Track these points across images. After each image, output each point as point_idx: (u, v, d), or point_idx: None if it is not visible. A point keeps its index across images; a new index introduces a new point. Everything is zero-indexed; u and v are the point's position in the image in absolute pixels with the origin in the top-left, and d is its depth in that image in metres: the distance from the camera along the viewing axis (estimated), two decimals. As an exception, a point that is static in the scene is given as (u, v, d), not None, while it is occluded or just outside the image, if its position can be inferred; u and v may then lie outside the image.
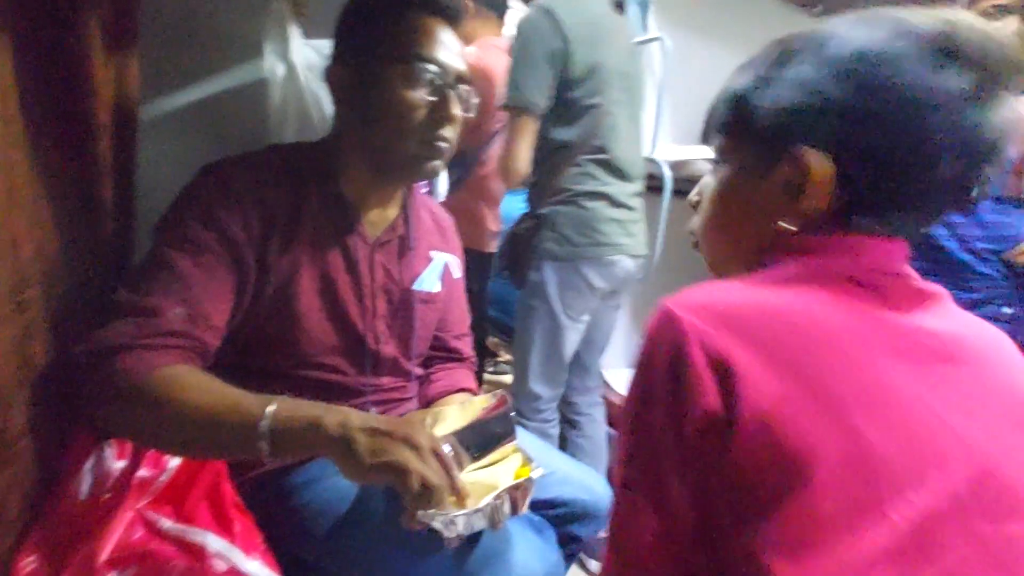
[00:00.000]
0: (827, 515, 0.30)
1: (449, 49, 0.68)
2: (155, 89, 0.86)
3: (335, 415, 0.51)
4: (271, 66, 0.91)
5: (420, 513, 0.51)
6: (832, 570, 0.29)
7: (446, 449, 0.53)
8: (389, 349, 0.75)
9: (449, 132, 0.69)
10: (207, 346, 0.58)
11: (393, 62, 0.65)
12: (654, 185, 1.51)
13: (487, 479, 0.58)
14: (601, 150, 1.16)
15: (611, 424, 1.52)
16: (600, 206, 1.17)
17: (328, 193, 0.69)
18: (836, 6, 1.77)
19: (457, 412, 0.64)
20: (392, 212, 0.76)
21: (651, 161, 1.50)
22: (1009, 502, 0.32)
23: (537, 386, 1.29)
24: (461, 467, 0.56)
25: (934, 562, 0.30)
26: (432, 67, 0.66)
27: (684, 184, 1.46)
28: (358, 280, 0.71)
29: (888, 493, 0.30)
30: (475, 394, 0.86)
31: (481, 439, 0.61)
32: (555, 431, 1.36)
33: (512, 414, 0.64)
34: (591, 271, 1.18)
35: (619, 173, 1.19)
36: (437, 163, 0.70)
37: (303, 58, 0.92)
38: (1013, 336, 1.17)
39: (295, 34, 0.90)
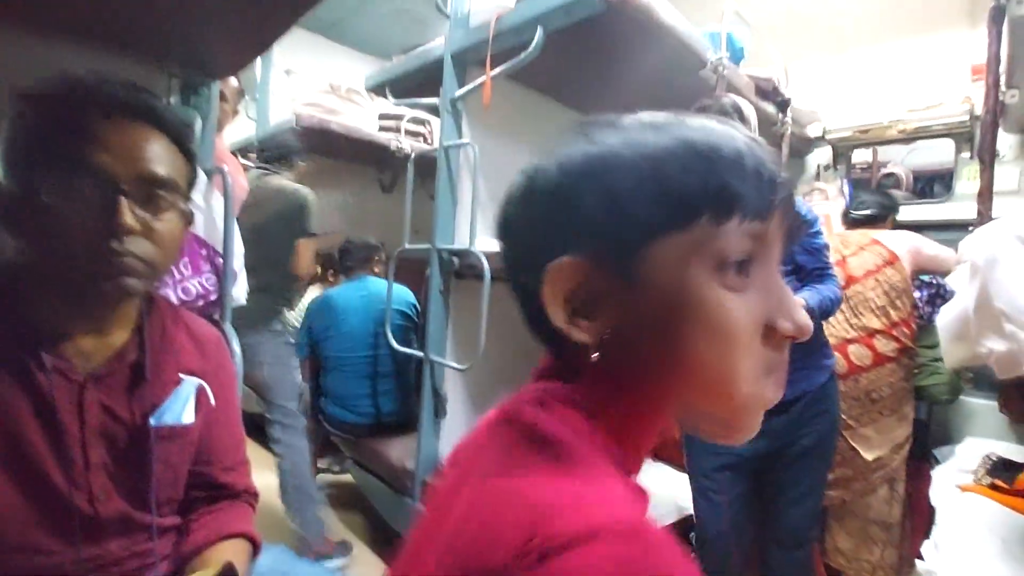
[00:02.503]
0: None
1: (120, 150, 0.58)
2: None
3: None
4: None
5: None
6: None
7: None
8: (114, 506, 0.62)
9: (130, 244, 0.58)
10: None
11: (45, 173, 0.55)
12: (475, 274, 1.58)
13: None
14: None
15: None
16: None
17: (10, 327, 0.58)
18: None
19: None
20: (119, 337, 0.65)
21: (471, 252, 1.57)
22: None
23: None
24: None
25: None
26: (89, 174, 0.56)
27: (500, 272, 1.55)
28: (58, 428, 0.58)
29: None
30: (250, 538, 0.75)
31: None
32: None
33: None
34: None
35: None
36: (125, 280, 0.59)
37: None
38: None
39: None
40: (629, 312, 0.32)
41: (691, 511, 1.47)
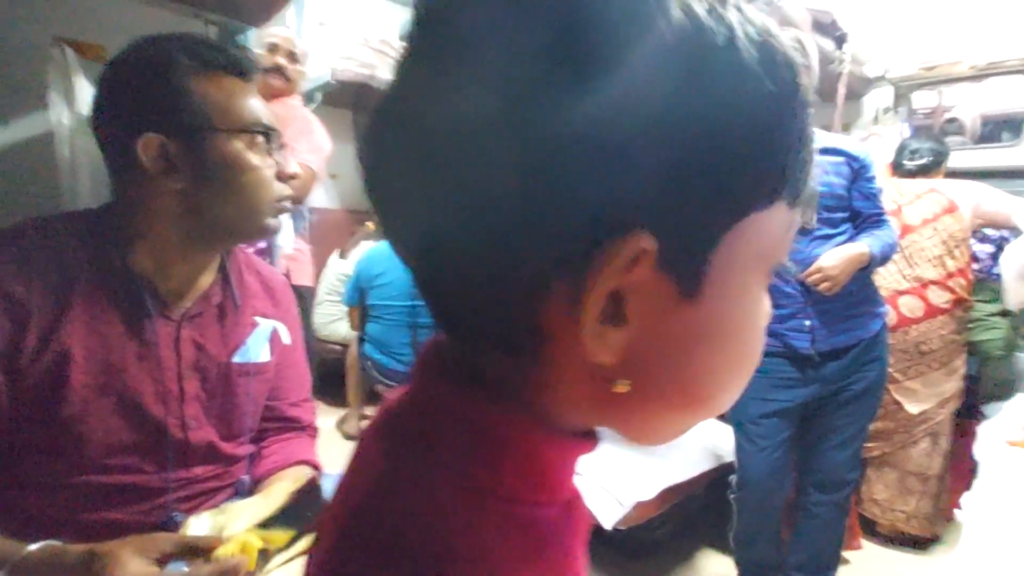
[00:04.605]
0: None
1: (264, 109, 0.67)
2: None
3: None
4: (57, 117, 0.82)
5: None
6: None
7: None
8: (203, 435, 0.68)
9: (288, 190, 0.70)
10: None
11: (233, 133, 0.63)
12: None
13: None
14: None
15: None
16: None
17: (110, 270, 0.62)
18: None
19: (260, 501, 0.59)
20: (206, 279, 0.70)
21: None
22: None
23: None
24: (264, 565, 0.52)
25: None
26: (265, 132, 0.65)
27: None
28: (157, 364, 0.63)
29: None
30: (316, 467, 0.80)
31: (291, 527, 0.56)
32: None
33: (323, 496, 0.60)
34: None
35: None
36: (278, 221, 0.71)
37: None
38: (812, 342, 1.34)
39: (82, 81, 0.81)
40: (671, 325, 0.22)
41: (728, 460, 1.49)
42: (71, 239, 0.61)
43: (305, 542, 0.57)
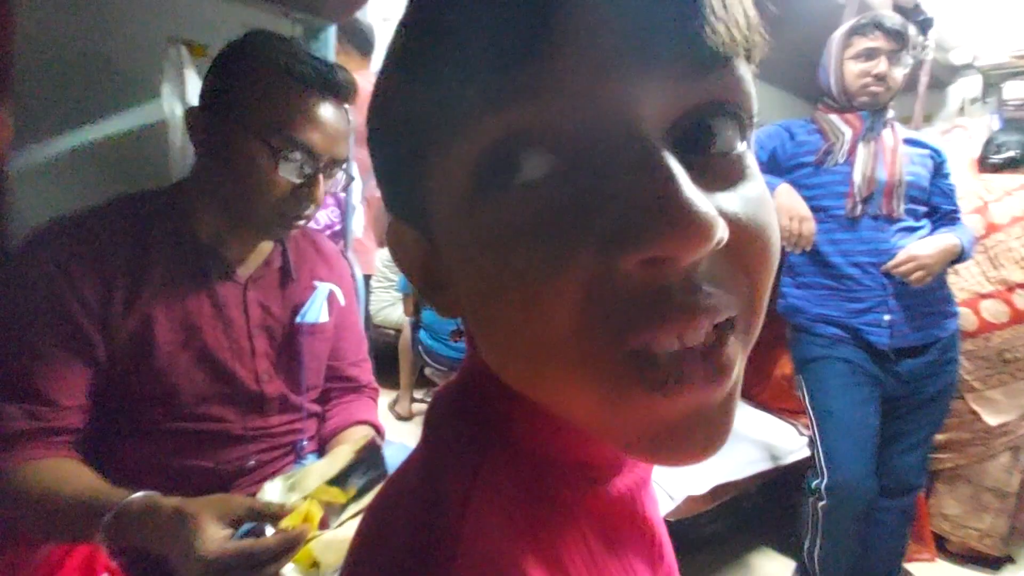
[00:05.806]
0: None
1: (327, 130, 0.65)
2: (49, 131, 0.83)
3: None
4: (170, 107, 0.90)
5: None
6: None
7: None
8: (275, 387, 0.74)
9: (311, 211, 0.68)
10: (67, 429, 0.60)
11: (260, 137, 0.62)
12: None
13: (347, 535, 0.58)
14: None
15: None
16: None
17: (181, 238, 0.68)
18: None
19: (325, 464, 0.64)
20: (266, 246, 0.76)
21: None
22: None
23: None
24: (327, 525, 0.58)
25: None
26: (300, 153, 0.63)
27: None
28: (229, 322, 0.70)
29: None
30: (375, 426, 0.86)
31: (354, 485, 0.61)
32: None
33: (383, 453, 0.65)
34: None
35: None
36: (294, 231, 0.72)
37: (202, 99, 0.91)
38: (890, 338, 1.28)
39: (192, 76, 0.89)
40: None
41: (785, 461, 1.46)
42: (148, 214, 0.67)
43: (368, 498, 0.62)
